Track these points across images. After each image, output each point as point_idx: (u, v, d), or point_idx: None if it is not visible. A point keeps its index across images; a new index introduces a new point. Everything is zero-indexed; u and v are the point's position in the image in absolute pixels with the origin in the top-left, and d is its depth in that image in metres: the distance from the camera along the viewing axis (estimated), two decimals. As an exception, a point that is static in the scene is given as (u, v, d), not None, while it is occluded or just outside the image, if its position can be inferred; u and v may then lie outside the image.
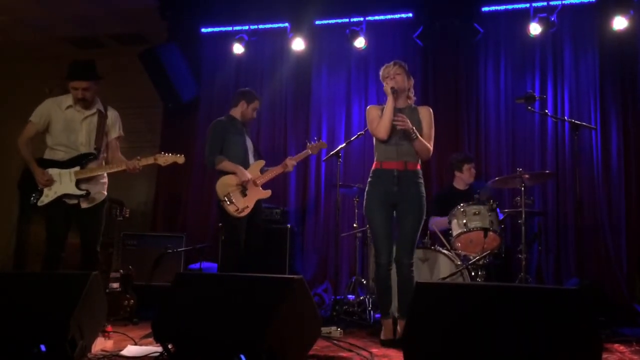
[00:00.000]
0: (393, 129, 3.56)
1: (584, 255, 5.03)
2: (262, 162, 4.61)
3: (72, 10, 6.48)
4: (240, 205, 4.28)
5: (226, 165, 4.35)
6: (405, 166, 3.57)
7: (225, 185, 4.32)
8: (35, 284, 3.01)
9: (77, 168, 3.80)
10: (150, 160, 3.93)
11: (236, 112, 4.60)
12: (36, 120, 3.84)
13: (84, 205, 3.81)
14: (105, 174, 3.98)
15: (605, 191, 5.29)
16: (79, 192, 3.77)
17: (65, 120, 3.84)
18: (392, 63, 3.70)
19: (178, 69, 6.13)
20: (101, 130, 3.89)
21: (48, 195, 3.75)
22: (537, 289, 2.69)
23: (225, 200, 4.25)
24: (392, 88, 3.57)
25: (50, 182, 3.74)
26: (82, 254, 3.83)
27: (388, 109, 3.55)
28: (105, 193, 3.97)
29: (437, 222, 4.75)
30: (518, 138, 5.58)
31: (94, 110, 3.91)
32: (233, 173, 4.35)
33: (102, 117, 3.91)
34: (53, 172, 3.78)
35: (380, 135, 3.58)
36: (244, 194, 4.34)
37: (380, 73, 3.73)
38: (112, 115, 4.00)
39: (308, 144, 4.85)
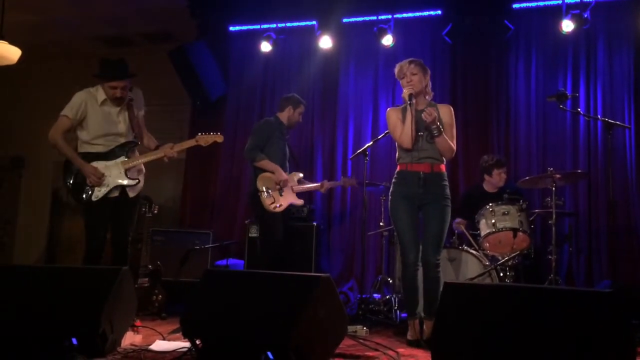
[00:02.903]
0: (416, 134, 3.51)
1: (617, 256, 4.91)
2: (299, 175, 4.80)
3: (103, 10, 6.59)
4: (276, 200, 4.42)
5: (266, 163, 4.50)
6: (432, 168, 3.54)
7: (266, 179, 4.48)
8: (68, 278, 3.07)
9: (123, 158, 3.85)
10: (191, 143, 4.00)
11: (283, 116, 4.78)
12: (72, 115, 3.81)
13: (131, 194, 3.86)
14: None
15: (639, 191, 5.16)
16: (132, 182, 3.83)
17: (104, 114, 3.85)
18: (407, 61, 3.60)
19: (207, 67, 6.18)
20: (134, 117, 3.94)
21: (100, 190, 3.77)
22: (568, 291, 2.64)
23: (263, 191, 4.40)
24: (410, 95, 3.50)
25: (101, 179, 3.75)
26: (113, 248, 3.86)
27: (408, 120, 3.50)
28: (142, 186, 3.99)
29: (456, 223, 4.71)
30: (549, 137, 5.47)
31: (125, 100, 3.95)
32: (271, 172, 4.48)
33: (132, 104, 3.95)
34: (99, 165, 3.79)
35: (405, 145, 3.54)
36: (280, 193, 4.49)
37: (395, 72, 3.65)
38: (137, 95, 4.03)
39: (342, 177, 5.25)
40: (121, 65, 3.85)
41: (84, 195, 3.77)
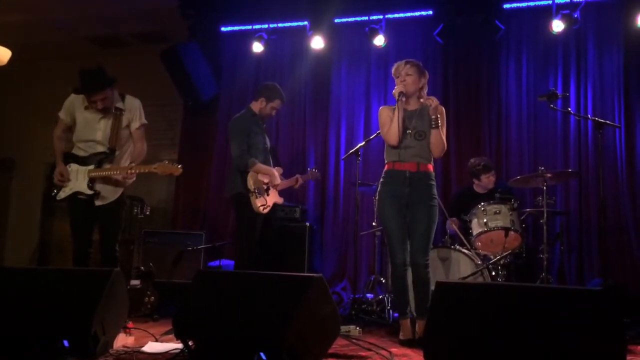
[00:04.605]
0: (404, 132, 3.53)
1: (608, 255, 4.93)
2: (280, 170, 4.70)
3: (95, 10, 6.55)
4: (266, 202, 4.39)
5: (259, 168, 4.37)
6: (418, 167, 3.54)
7: (257, 180, 4.38)
8: (59, 279, 3.06)
9: (92, 167, 3.81)
10: (149, 168, 3.80)
11: (255, 106, 4.54)
12: (63, 116, 3.91)
13: (97, 202, 3.82)
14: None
15: (629, 190, 5.20)
16: (89, 192, 3.77)
17: (85, 119, 3.85)
18: (403, 62, 3.62)
19: (198, 68, 6.17)
20: (116, 129, 3.84)
21: (64, 191, 3.81)
22: (559, 289, 2.65)
23: (255, 192, 4.31)
24: (400, 93, 3.51)
25: (63, 180, 3.78)
26: (101, 252, 3.86)
27: (396, 116, 3.50)
28: (121, 192, 3.90)
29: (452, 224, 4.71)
30: (540, 136, 5.50)
31: (111, 109, 3.86)
32: (265, 174, 4.44)
33: (118, 114, 3.86)
34: (73, 167, 3.83)
35: (391, 142, 3.55)
36: (267, 193, 4.44)
37: (392, 70, 3.67)
38: (131, 105, 3.91)
39: (309, 170, 5.11)
40: (97, 76, 3.73)
41: (53, 193, 3.85)
